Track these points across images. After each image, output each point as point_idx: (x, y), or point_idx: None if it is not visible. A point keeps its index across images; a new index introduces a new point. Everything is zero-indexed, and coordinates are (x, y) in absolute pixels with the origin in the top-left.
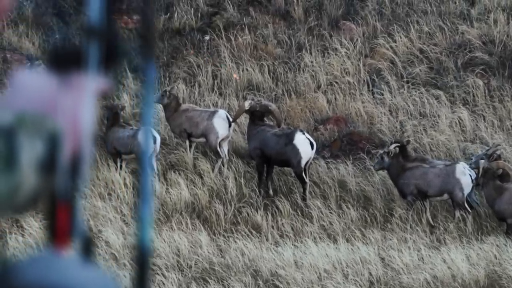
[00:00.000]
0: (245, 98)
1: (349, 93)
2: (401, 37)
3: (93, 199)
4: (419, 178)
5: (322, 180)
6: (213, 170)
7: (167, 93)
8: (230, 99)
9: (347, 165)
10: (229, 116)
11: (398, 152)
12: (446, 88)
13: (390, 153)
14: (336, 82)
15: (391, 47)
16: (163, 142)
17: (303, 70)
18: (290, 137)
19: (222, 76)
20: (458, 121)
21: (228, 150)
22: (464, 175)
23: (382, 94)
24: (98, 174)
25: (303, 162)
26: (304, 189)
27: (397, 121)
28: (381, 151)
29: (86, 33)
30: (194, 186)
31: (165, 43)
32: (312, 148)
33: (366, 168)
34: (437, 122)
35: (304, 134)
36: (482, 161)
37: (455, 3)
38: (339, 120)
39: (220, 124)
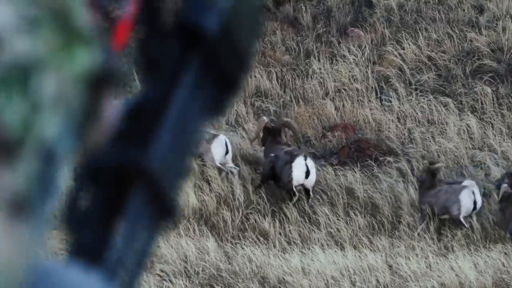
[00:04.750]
0: (259, 116)
1: (357, 100)
2: (409, 44)
3: None
4: (433, 197)
5: (329, 187)
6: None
7: None
8: (238, 106)
9: (355, 172)
10: (228, 141)
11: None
12: (455, 96)
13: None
14: (344, 89)
15: (400, 54)
16: None
17: (311, 77)
18: (292, 158)
19: None
20: (466, 128)
21: (234, 157)
22: (468, 198)
23: (390, 101)
24: None
25: (293, 184)
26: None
27: (405, 128)
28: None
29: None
30: (201, 193)
31: None
32: (307, 176)
33: (374, 175)
34: (445, 130)
35: (305, 160)
36: (504, 185)
37: (464, 10)
38: (347, 127)
39: (217, 151)
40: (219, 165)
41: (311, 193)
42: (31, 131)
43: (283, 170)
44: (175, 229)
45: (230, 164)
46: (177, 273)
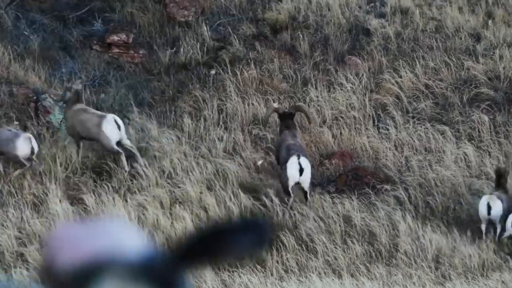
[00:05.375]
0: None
1: (355, 128)
2: (406, 72)
3: None
4: None
5: (327, 215)
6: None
7: (71, 88)
8: (235, 134)
9: (352, 200)
10: (118, 119)
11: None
12: (452, 124)
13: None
14: (342, 117)
15: (397, 82)
16: (168, 176)
17: (308, 105)
18: (286, 158)
19: (227, 111)
20: (464, 156)
21: (232, 184)
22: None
23: (388, 129)
24: (103, 208)
25: (289, 184)
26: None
27: (402, 156)
28: None
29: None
30: (199, 220)
31: (171, 78)
32: (301, 174)
33: (371, 203)
34: (443, 158)
35: (299, 158)
36: None
37: (461, 38)
38: (345, 155)
39: (109, 129)
40: (116, 147)
41: (308, 195)
42: None
43: (281, 169)
44: None
45: (126, 140)
46: None
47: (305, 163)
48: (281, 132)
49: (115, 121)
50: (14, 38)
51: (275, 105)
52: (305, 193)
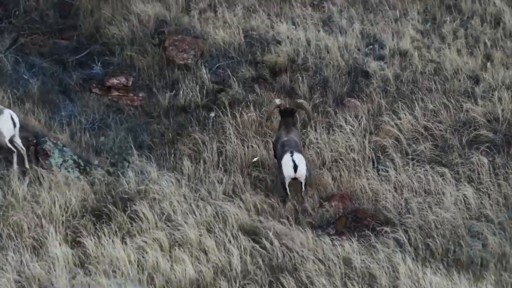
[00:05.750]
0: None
1: (354, 170)
2: (405, 115)
3: (97, 276)
4: None
5: (327, 257)
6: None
7: None
8: (235, 176)
9: (352, 242)
10: (14, 116)
11: None
12: (451, 166)
13: None
14: (341, 159)
15: (396, 124)
16: (168, 219)
17: (308, 147)
18: (281, 155)
19: (227, 153)
20: (463, 198)
21: (232, 227)
22: None
23: (387, 171)
24: (103, 251)
25: (286, 181)
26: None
27: (402, 198)
28: None
29: None
30: (198, 263)
31: (170, 120)
32: (296, 171)
33: (371, 245)
34: (442, 200)
35: (292, 155)
36: None
37: (460, 81)
38: (344, 197)
39: (5, 125)
40: (9, 144)
41: (303, 187)
42: None
43: (278, 166)
44: None
45: (18, 139)
46: None
47: (299, 159)
48: (279, 128)
49: (12, 118)
50: (13, 82)
51: (278, 101)
52: (301, 184)
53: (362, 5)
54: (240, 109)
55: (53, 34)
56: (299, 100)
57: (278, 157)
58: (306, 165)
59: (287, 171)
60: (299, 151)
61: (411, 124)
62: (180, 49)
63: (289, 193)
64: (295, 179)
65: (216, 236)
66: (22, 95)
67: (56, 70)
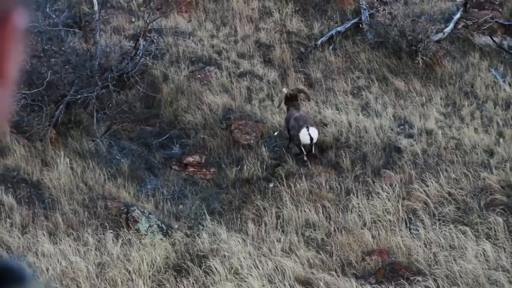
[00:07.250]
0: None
1: (390, 229)
2: (432, 183)
3: None
4: None
5: None
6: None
7: None
8: (291, 235)
9: None
10: None
11: None
12: (472, 225)
13: None
14: (379, 220)
15: (424, 191)
16: (236, 272)
17: (351, 211)
18: (298, 128)
19: (284, 217)
20: (483, 252)
21: (289, 277)
22: None
23: (418, 230)
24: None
25: (301, 145)
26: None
27: (431, 252)
28: None
29: None
30: None
31: (236, 190)
32: (311, 141)
33: None
34: (465, 253)
35: (308, 129)
36: None
37: (477, 154)
38: (383, 252)
39: None
40: None
41: (312, 148)
42: None
43: (293, 134)
44: None
45: None
46: None
47: (313, 132)
48: (288, 109)
49: None
50: (108, 162)
51: (285, 90)
52: (311, 147)
53: (394, 92)
54: (294, 180)
55: (140, 122)
56: (299, 86)
57: (294, 129)
58: (318, 134)
59: (304, 139)
60: (312, 124)
61: (437, 190)
62: (243, 132)
63: (304, 151)
64: (307, 144)
65: (276, 286)
66: (115, 172)
67: (143, 151)
